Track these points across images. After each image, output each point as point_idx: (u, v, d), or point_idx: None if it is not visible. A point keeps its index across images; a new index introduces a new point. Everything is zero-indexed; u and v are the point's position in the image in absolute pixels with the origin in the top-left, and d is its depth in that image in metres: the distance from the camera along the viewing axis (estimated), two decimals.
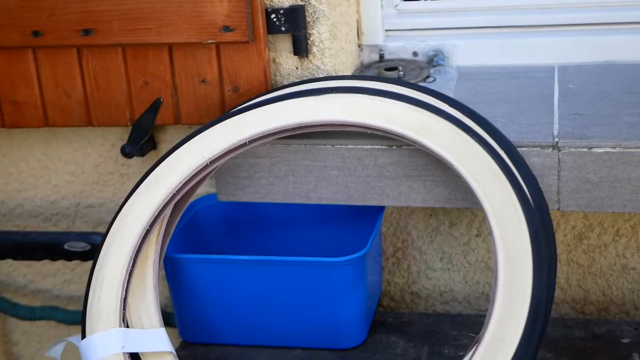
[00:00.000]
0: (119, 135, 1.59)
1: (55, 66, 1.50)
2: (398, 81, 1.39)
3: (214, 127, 1.34)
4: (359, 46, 1.64)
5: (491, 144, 1.26)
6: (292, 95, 1.34)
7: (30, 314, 1.69)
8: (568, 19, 1.59)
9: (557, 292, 1.52)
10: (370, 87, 1.34)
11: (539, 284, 1.13)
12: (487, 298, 1.54)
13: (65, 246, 1.51)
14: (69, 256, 1.51)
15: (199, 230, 1.54)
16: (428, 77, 1.56)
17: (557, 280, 1.51)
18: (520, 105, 1.44)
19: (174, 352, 1.25)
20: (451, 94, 1.49)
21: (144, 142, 1.51)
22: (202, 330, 1.43)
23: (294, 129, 1.33)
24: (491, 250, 1.28)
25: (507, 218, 1.18)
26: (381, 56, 1.63)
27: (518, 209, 1.19)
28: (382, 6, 1.62)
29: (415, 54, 1.63)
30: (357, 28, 1.62)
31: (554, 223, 1.50)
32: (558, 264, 1.51)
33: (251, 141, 1.33)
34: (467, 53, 1.61)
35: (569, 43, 1.58)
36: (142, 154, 1.52)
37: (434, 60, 1.61)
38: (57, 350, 1.31)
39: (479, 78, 1.57)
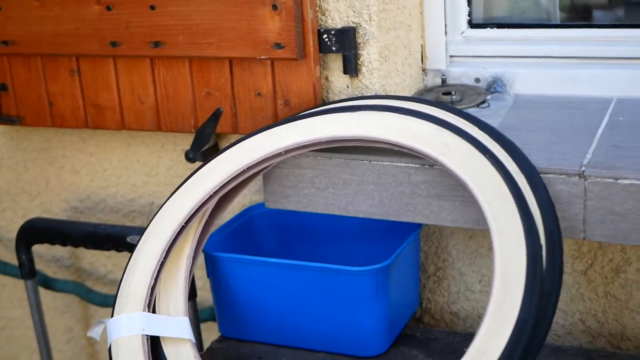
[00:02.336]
0: (189, 142, 1.70)
1: (131, 74, 1.64)
2: (433, 103, 1.44)
3: (254, 136, 1.43)
4: (424, 70, 1.69)
5: (508, 167, 1.29)
6: (329, 111, 1.42)
7: (104, 301, 1.83)
8: (630, 52, 1.58)
9: (594, 325, 1.51)
10: (403, 106, 1.39)
11: (528, 306, 1.15)
12: None
13: (128, 239, 1.64)
14: (130, 248, 1.64)
15: (251, 234, 1.63)
16: (483, 102, 1.59)
17: (594, 313, 1.51)
18: (561, 135, 1.45)
19: (193, 340, 1.34)
20: (499, 120, 1.52)
21: (207, 148, 1.62)
22: (238, 327, 1.51)
23: (327, 142, 1.40)
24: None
25: (508, 239, 1.21)
26: (443, 81, 1.68)
27: (520, 232, 1.21)
28: (446, 33, 1.67)
29: (477, 80, 1.67)
30: (422, 53, 1.67)
31: (591, 255, 1.49)
32: (595, 297, 1.50)
33: (287, 151, 1.41)
34: (527, 81, 1.64)
35: (630, 76, 1.57)
36: (204, 159, 1.63)
37: (493, 86, 1.64)
38: (97, 331, 1.42)
39: (533, 106, 1.59)
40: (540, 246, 1.20)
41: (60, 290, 1.87)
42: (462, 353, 1.42)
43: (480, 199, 1.26)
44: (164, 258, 1.38)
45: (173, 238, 1.39)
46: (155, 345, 1.33)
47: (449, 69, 1.69)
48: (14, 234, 1.80)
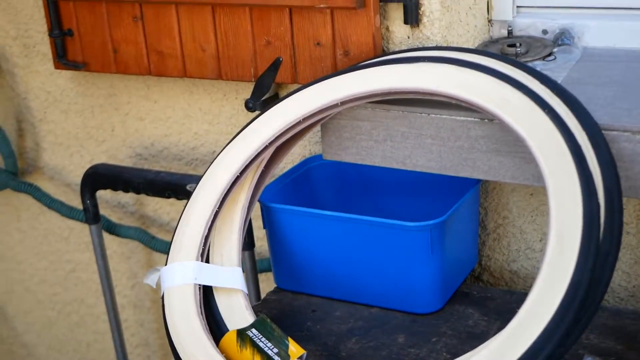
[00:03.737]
0: (250, 91, 1.69)
1: (193, 22, 1.63)
2: (494, 55, 1.39)
3: (311, 87, 1.42)
4: (489, 21, 1.64)
5: (569, 123, 1.24)
6: (386, 62, 1.39)
7: (166, 248, 1.85)
8: None
9: None
10: (462, 59, 1.35)
11: (582, 268, 1.11)
12: None
13: (187, 187, 1.65)
14: (190, 196, 1.64)
15: (309, 186, 1.62)
16: (550, 55, 1.54)
17: None
18: (629, 90, 1.39)
19: (245, 291, 1.34)
20: (565, 73, 1.47)
21: (267, 98, 1.61)
22: (292, 279, 1.51)
23: (382, 94, 1.37)
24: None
25: (565, 198, 1.17)
26: (509, 32, 1.63)
27: (577, 189, 1.16)
28: None
29: (544, 32, 1.61)
30: (487, 2, 1.62)
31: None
32: None
33: (342, 102, 1.39)
34: (596, 34, 1.57)
35: None
36: (263, 108, 1.62)
37: (560, 39, 1.58)
38: (153, 278, 1.44)
39: (601, 60, 1.53)
40: (598, 205, 1.16)
41: (123, 236, 1.90)
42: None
43: (537, 155, 1.22)
44: (218, 208, 1.38)
45: (227, 188, 1.39)
46: (207, 295, 1.34)
47: (515, 20, 1.63)
48: (80, 179, 1.83)
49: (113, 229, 1.89)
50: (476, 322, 1.39)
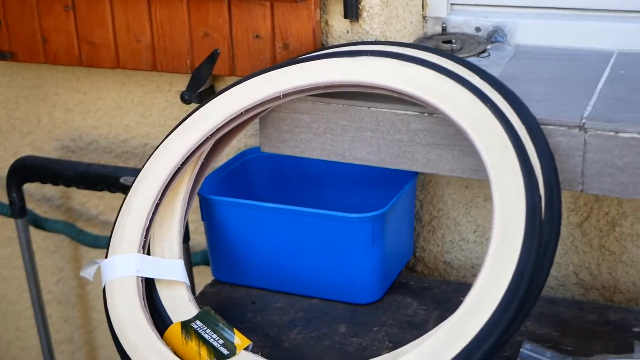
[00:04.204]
0: (184, 83, 1.68)
1: (127, 12, 1.61)
2: (435, 51, 1.42)
3: (253, 79, 1.41)
4: (424, 17, 1.66)
5: (509, 117, 1.28)
6: (329, 56, 1.40)
7: (95, 242, 1.82)
8: (634, 4, 1.56)
9: (587, 277, 1.52)
10: (404, 53, 1.37)
11: (526, 257, 1.14)
12: None
13: (121, 180, 1.63)
14: (124, 189, 1.63)
15: (246, 178, 1.62)
16: (483, 52, 1.57)
17: (587, 265, 1.51)
18: (562, 86, 1.44)
19: (187, 283, 1.33)
20: (499, 70, 1.51)
21: (203, 90, 1.60)
22: (231, 271, 1.51)
23: (325, 87, 1.38)
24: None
25: (508, 189, 1.20)
26: (443, 29, 1.66)
27: (520, 182, 1.20)
28: None
29: (478, 29, 1.65)
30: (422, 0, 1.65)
31: (587, 207, 1.49)
32: (589, 249, 1.50)
33: (285, 95, 1.39)
34: (528, 32, 1.61)
35: (632, 30, 1.55)
36: (199, 101, 1.61)
37: (493, 36, 1.62)
38: (90, 271, 1.41)
39: (534, 57, 1.57)
40: (540, 197, 1.19)
41: (50, 230, 1.86)
42: (457, 302, 1.42)
43: (480, 148, 1.25)
44: (159, 200, 1.37)
45: (168, 180, 1.38)
46: (149, 288, 1.32)
47: (449, 17, 1.66)
48: (4, 172, 1.78)
49: (39, 222, 1.85)
50: (415, 312, 1.42)
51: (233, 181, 1.59)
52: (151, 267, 1.32)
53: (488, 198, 1.54)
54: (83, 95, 1.79)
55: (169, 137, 1.41)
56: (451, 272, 1.61)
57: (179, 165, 1.38)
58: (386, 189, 1.55)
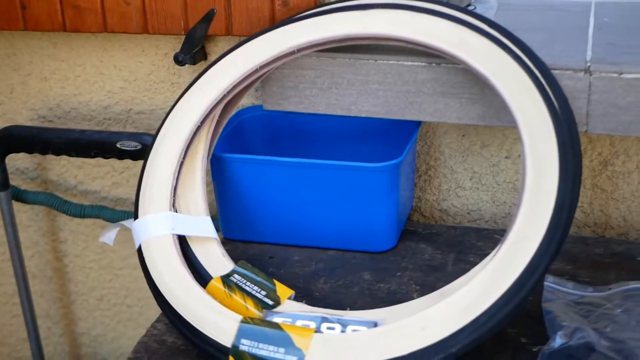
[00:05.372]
0: (172, 46, 1.67)
1: None
2: (442, 2, 1.46)
3: (265, 34, 1.43)
4: None
5: (527, 62, 1.34)
6: (339, 9, 1.42)
7: (80, 212, 1.79)
8: None
9: (580, 215, 1.60)
10: (415, 5, 1.41)
11: (564, 190, 1.21)
12: None
13: (118, 145, 1.61)
14: (121, 155, 1.61)
15: (243, 138, 1.63)
16: (469, 5, 1.63)
17: (580, 204, 1.59)
18: (555, 34, 1.51)
19: (218, 239, 1.34)
20: None
21: (196, 51, 1.60)
22: (243, 228, 1.52)
23: (340, 40, 1.41)
24: (521, 158, 1.35)
25: (537, 129, 1.26)
26: None
27: (548, 121, 1.26)
28: None
29: None
30: None
31: (582, 149, 1.57)
32: (582, 189, 1.59)
33: (299, 49, 1.41)
34: None
35: None
36: (193, 62, 1.61)
37: None
38: (110, 236, 1.40)
39: (517, 9, 1.64)
40: (569, 135, 1.26)
41: (32, 202, 1.81)
42: (470, 245, 1.49)
43: (503, 93, 1.30)
44: (183, 158, 1.37)
45: (190, 138, 1.38)
46: (182, 245, 1.32)
47: None
48: None
49: (20, 195, 1.80)
50: (432, 256, 1.47)
51: (231, 141, 1.59)
52: (184, 225, 1.32)
53: (485, 145, 1.60)
54: (61, 63, 1.75)
55: (185, 95, 1.41)
56: (447, 219, 1.67)
57: (199, 124, 1.38)
58: (386, 143, 1.59)
